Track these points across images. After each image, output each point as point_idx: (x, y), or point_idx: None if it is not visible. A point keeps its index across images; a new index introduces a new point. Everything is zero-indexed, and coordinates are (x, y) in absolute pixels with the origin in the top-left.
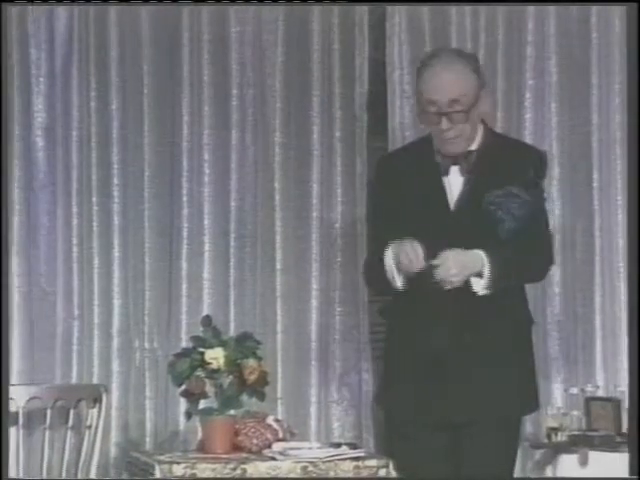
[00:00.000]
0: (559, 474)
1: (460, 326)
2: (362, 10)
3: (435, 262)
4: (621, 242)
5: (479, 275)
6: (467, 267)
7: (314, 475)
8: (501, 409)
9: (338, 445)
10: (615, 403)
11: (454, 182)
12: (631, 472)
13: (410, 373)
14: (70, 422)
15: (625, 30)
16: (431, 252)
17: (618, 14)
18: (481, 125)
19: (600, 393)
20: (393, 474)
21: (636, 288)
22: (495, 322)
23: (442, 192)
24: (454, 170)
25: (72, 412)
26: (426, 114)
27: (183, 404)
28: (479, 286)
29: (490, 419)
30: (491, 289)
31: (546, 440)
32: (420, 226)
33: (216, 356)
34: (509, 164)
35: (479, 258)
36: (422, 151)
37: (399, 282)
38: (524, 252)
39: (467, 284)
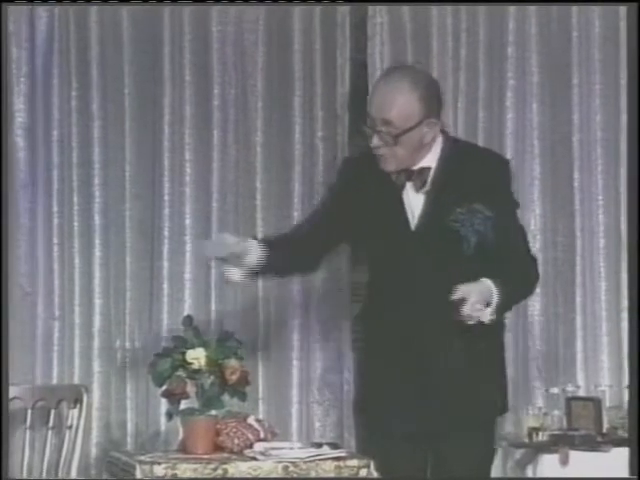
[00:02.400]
0: (540, 474)
1: (435, 331)
2: (344, 10)
3: (457, 297)
4: (602, 242)
5: (487, 304)
6: (485, 298)
7: (295, 475)
8: (475, 412)
9: (319, 445)
10: (596, 403)
11: (412, 198)
12: (631, 472)
13: (388, 381)
14: (51, 422)
15: (626, 30)
16: (393, 270)
17: (598, 14)
18: (440, 137)
19: (581, 393)
20: (374, 474)
21: (636, 288)
22: (468, 327)
23: (401, 208)
24: (409, 186)
25: (53, 412)
26: (364, 127)
27: (164, 404)
28: (486, 316)
29: (464, 423)
30: (497, 317)
31: (527, 440)
32: (378, 242)
33: (197, 356)
34: (473, 177)
35: (489, 287)
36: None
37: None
38: (519, 274)
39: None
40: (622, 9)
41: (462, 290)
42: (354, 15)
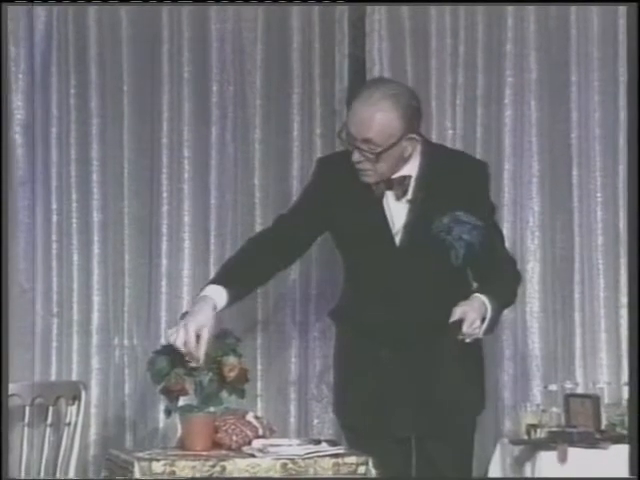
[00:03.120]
0: (538, 471)
1: (410, 330)
2: (342, 7)
3: (455, 319)
4: (600, 239)
5: (483, 319)
6: (481, 314)
7: (293, 472)
8: (454, 411)
9: (318, 442)
10: (594, 400)
11: (392, 207)
12: (631, 472)
13: (363, 381)
14: (49, 419)
15: (626, 30)
16: (373, 276)
17: (597, 11)
18: (418, 146)
19: (579, 390)
20: (372, 471)
21: (636, 285)
22: (445, 325)
23: (382, 217)
24: (389, 194)
25: (51, 409)
26: (344, 141)
27: (162, 401)
28: (482, 331)
29: (444, 423)
30: (490, 331)
31: (525, 437)
32: (358, 248)
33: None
34: (454, 184)
35: (483, 303)
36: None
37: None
38: (505, 283)
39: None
40: (620, 6)
41: (460, 310)
42: (352, 12)
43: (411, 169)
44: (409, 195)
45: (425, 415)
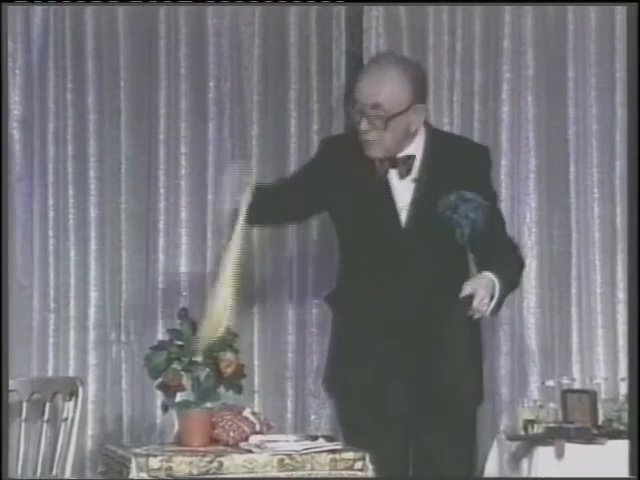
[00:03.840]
0: (535, 466)
1: (410, 314)
2: (339, 3)
3: (465, 294)
4: (597, 235)
5: (491, 297)
6: (490, 292)
7: (290, 468)
8: (452, 400)
9: (315, 438)
10: (591, 395)
11: (396, 185)
12: (631, 472)
13: (359, 360)
14: (46, 415)
15: (626, 30)
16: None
17: (594, 8)
18: (423, 128)
19: (576, 385)
20: (369, 467)
21: (636, 281)
22: (443, 314)
23: (387, 194)
24: (393, 173)
25: (48, 405)
26: (352, 110)
27: (160, 397)
28: (490, 309)
29: (445, 411)
30: (496, 311)
31: (522, 432)
32: (363, 228)
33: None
34: (457, 166)
35: (492, 281)
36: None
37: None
38: (510, 263)
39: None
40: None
41: (470, 287)
42: (349, 8)
43: (415, 149)
44: (414, 174)
45: (424, 406)
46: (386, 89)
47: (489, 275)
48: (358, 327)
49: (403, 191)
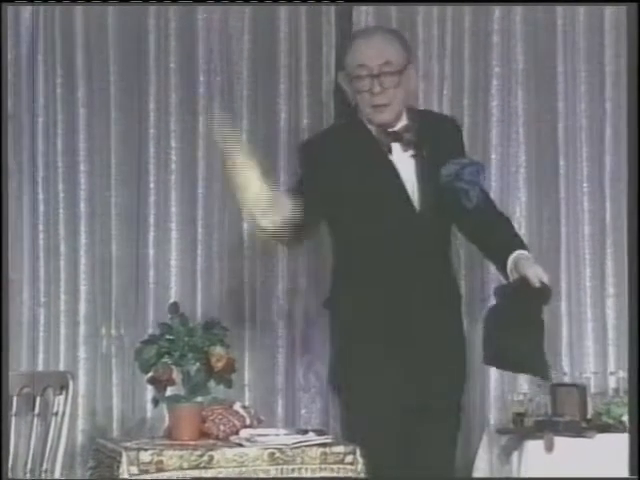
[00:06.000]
0: (525, 459)
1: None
2: (325, 3)
3: (543, 281)
4: (587, 229)
5: None
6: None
7: (281, 461)
8: (448, 392)
9: (305, 432)
10: (580, 389)
11: (401, 159)
12: (631, 472)
13: (364, 358)
14: (36, 409)
15: (626, 30)
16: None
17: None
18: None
19: (566, 379)
20: (360, 460)
21: (636, 286)
22: (440, 309)
23: (393, 171)
24: (396, 147)
25: (38, 399)
26: (357, 80)
27: (150, 391)
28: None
29: (441, 403)
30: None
31: (512, 426)
32: (377, 206)
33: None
34: (443, 137)
35: (527, 255)
36: (356, 131)
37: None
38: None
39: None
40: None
41: (539, 274)
42: (339, 3)
43: (405, 122)
44: (412, 151)
45: (424, 391)
46: (391, 46)
47: (526, 253)
48: (364, 329)
49: (407, 168)
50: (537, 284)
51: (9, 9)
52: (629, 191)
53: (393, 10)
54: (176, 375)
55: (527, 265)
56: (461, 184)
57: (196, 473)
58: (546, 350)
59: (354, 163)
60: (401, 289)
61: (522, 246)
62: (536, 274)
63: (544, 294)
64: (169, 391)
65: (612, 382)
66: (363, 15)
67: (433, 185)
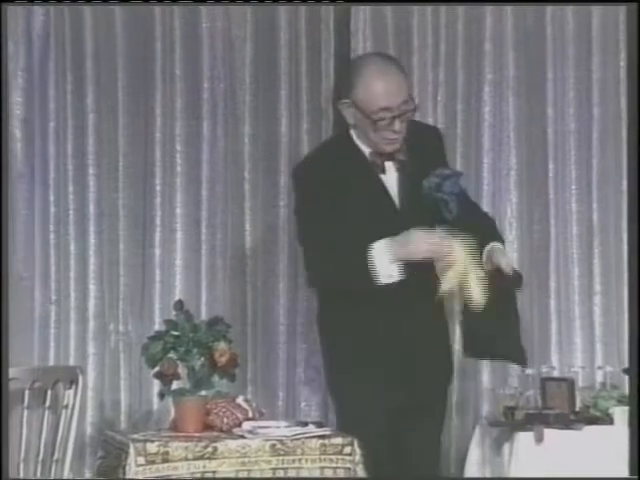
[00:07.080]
0: (516, 451)
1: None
2: (327, 6)
3: (514, 269)
4: (575, 229)
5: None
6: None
7: (282, 452)
8: (438, 385)
9: (305, 424)
10: (569, 383)
11: (392, 178)
12: (631, 472)
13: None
14: (47, 402)
15: (627, 30)
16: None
17: (572, 11)
18: None
19: (555, 374)
20: (357, 451)
21: (636, 285)
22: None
23: (384, 190)
24: (389, 166)
25: (49, 393)
26: (377, 121)
27: (156, 385)
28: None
29: (432, 397)
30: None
31: (503, 419)
32: (370, 225)
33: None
34: (427, 148)
35: (501, 249)
36: (348, 152)
37: (395, 272)
38: (492, 225)
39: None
40: (595, 7)
41: (496, 250)
42: (337, 11)
43: None
44: (397, 164)
45: (419, 388)
46: (404, 81)
47: (499, 245)
48: (352, 342)
49: (393, 182)
50: (510, 272)
51: (20, 18)
52: (629, 190)
53: (389, 18)
54: (181, 370)
55: (500, 255)
56: (441, 195)
57: (200, 464)
58: (521, 336)
59: (349, 188)
60: (387, 293)
61: (495, 238)
62: (508, 263)
63: (516, 281)
64: (175, 385)
65: (599, 376)
66: (361, 23)
67: (416, 196)
